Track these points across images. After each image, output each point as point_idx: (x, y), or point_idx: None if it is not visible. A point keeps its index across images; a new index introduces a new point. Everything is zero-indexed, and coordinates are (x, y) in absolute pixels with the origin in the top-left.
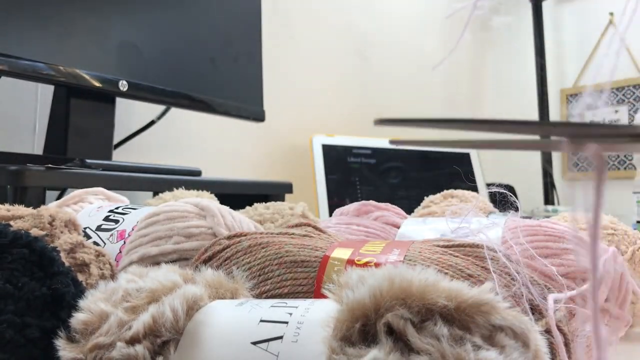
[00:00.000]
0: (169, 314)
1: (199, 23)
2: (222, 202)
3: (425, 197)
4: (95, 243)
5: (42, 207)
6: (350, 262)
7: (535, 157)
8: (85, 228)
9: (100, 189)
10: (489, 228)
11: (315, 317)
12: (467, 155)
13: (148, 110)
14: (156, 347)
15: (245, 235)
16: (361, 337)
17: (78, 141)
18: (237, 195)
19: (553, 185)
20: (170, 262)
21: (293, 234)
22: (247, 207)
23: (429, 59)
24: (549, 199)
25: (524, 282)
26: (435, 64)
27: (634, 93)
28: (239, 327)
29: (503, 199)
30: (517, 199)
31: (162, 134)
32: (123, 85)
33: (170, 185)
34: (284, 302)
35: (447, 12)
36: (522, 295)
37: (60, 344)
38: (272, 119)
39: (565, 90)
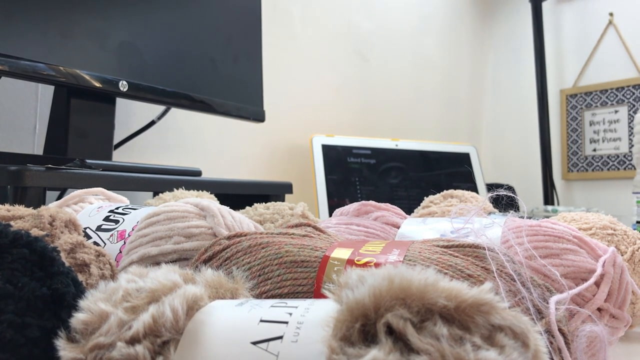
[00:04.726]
0: (169, 314)
1: (199, 23)
2: (222, 203)
3: (424, 197)
4: (96, 243)
5: (43, 207)
6: (350, 262)
7: (535, 157)
8: (85, 228)
9: (101, 189)
10: (488, 228)
11: (315, 317)
12: (467, 156)
13: (148, 110)
14: (156, 347)
15: (245, 235)
16: (361, 337)
17: (78, 141)
18: (237, 195)
19: (553, 185)
20: (171, 262)
21: (293, 234)
22: (247, 207)
23: (429, 59)
24: (548, 199)
25: (524, 283)
26: (435, 64)
27: (633, 93)
28: (239, 327)
29: (504, 199)
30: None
31: (162, 134)
32: (123, 86)
33: (170, 186)
34: (283, 302)
35: (447, 12)
36: (523, 296)
37: (61, 344)
38: (272, 119)
39: (565, 91)
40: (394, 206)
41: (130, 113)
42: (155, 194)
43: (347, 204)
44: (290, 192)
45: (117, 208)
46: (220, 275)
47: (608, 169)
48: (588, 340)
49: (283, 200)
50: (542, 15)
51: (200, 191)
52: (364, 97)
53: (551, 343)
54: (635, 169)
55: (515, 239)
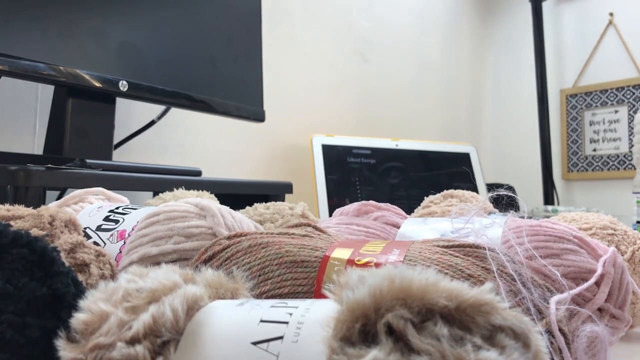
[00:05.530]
0: (169, 314)
1: (199, 23)
2: (222, 202)
3: (425, 197)
4: (96, 243)
5: (43, 207)
6: (350, 262)
7: (536, 157)
8: (85, 228)
9: (101, 189)
10: (489, 228)
11: (316, 317)
12: (467, 156)
13: (148, 110)
14: (156, 347)
15: (245, 235)
16: (361, 337)
17: (78, 141)
18: (237, 195)
19: (553, 185)
20: (171, 262)
21: (293, 234)
22: (247, 207)
23: (429, 59)
24: (548, 199)
25: (524, 283)
26: (435, 64)
27: (633, 93)
28: (239, 327)
29: (504, 199)
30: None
31: (162, 134)
32: (123, 86)
33: (170, 185)
34: (284, 302)
35: (447, 12)
36: (523, 296)
37: (61, 344)
38: (272, 119)
39: (565, 91)
40: (394, 206)
41: (130, 113)
42: (155, 193)
43: (347, 204)
44: (290, 192)
45: (117, 208)
46: (220, 275)
47: (608, 169)
48: (588, 341)
49: (283, 200)
50: (542, 15)
51: (200, 191)
52: (364, 97)
53: (552, 343)
54: (635, 169)
55: (516, 239)
